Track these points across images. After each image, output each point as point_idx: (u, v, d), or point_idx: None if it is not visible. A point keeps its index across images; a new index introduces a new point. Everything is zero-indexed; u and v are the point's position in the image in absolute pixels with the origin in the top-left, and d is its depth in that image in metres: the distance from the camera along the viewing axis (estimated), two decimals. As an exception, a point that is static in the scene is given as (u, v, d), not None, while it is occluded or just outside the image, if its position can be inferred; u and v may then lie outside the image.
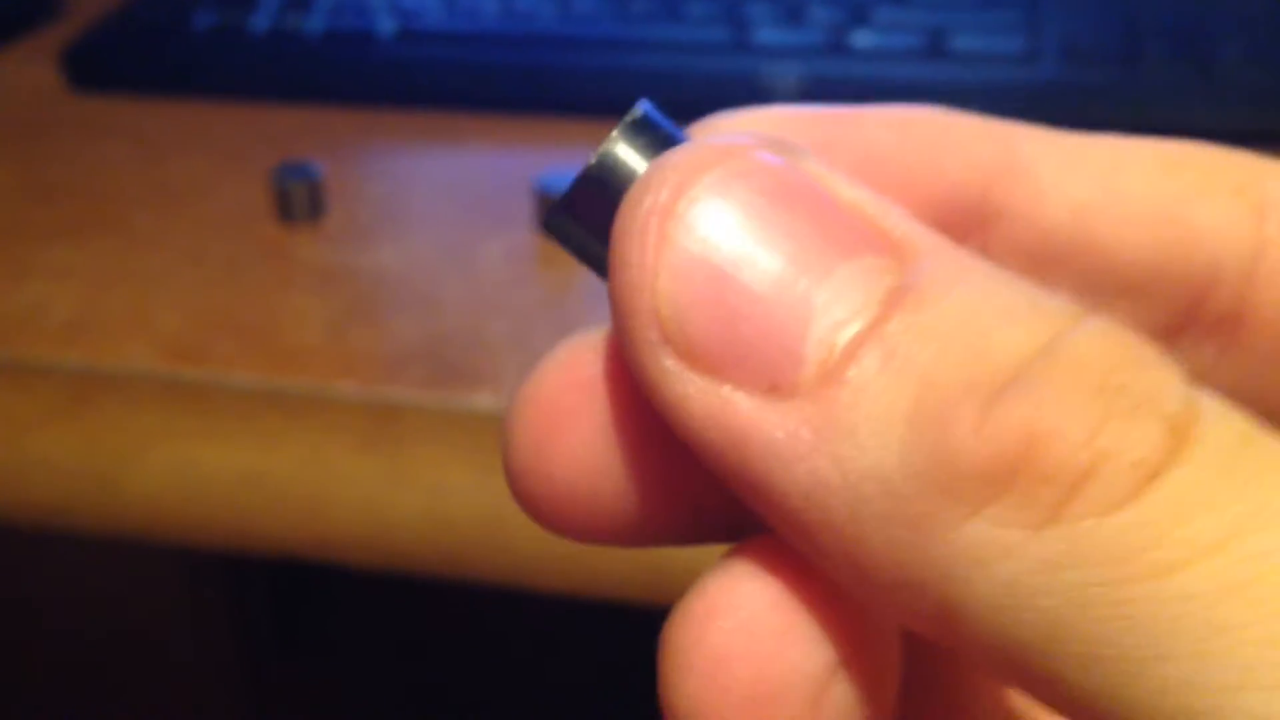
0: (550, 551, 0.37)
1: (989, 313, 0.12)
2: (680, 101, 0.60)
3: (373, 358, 0.41)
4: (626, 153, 0.14)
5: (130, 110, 0.58)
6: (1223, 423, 0.11)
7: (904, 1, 0.58)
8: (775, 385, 0.12)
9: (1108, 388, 0.11)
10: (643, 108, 0.15)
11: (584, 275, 0.43)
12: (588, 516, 0.14)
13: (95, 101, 0.59)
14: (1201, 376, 0.12)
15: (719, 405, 0.12)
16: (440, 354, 0.41)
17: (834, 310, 0.12)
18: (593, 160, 0.14)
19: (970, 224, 0.16)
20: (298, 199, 0.48)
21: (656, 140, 0.14)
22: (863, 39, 0.57)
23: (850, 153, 0.16)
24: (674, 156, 0.13)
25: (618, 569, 0.38)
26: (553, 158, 0.53)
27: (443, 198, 0.51)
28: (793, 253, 0.12)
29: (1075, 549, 0.10)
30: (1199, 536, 0.10)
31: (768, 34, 0.57)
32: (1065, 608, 0.10)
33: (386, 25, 0.61)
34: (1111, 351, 0.11)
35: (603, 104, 0.58)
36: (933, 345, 0.11)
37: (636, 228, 0.12)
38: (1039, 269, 0.15)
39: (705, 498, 0.14)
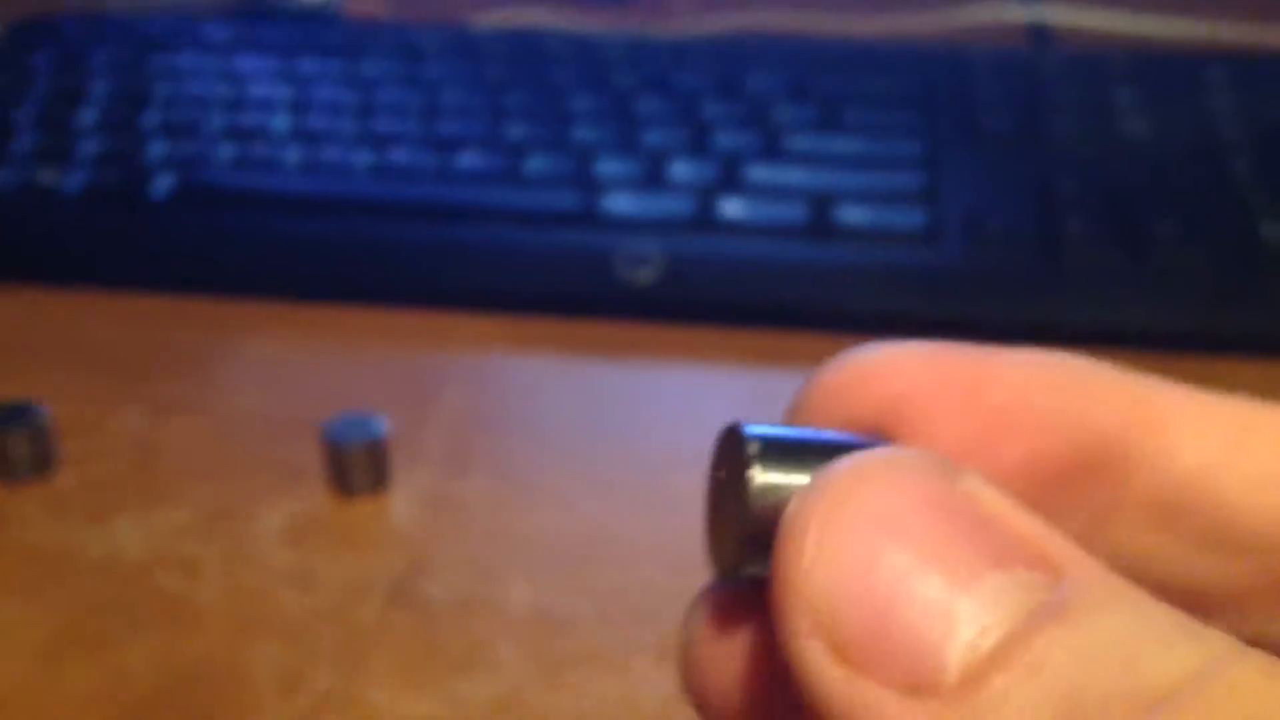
0: None
1: (1142, 635, 0.12)
2: (524, 281, 0.53)
3: (92, 709, 0.30)
4: (768, 488, 0.14)
5: None
6: None
7: (780, 158, 0.50)
8: (917, 685, 0.12)
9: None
10: (751, 438, 0.15)
11: (388, 561, 0.33)
12: None
13: None
14: None
15: (861, 698, 0.12)
16: (185, 702, 0.31)
17: (981, 616, 0.12)
18: (746, 514, 0.14)
19: (1101, 472, 0.16)
20: (16, 450, 0.37)
21: (789, 459, 0.14)
22: (733, 209, 0.48)
23: (992, 397, 0.16)
24: (838, 468, 0.13)
25: None
26: (353, 382, 0.43)
27: (207, 442, 0.40)
28: (948, 560, 0.12)
29: None
30: None
31: (622, 201, 0.48)
32: None
33: (164, 182, 0.50)
34: (1268, 688, 0.11)
35: (419, 289, 0.49)
36: (1082, 661, 0.11)
37: (799, 528, 0.13)
38: (1165, 522, 0.16)
39: None
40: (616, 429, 0.41)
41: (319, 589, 0.34)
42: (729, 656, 0.16)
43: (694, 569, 0.35)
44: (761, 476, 0.14)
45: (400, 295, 0.48)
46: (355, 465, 0.37)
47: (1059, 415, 0.16)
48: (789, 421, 0.17)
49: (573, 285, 0.47)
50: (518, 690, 0.31)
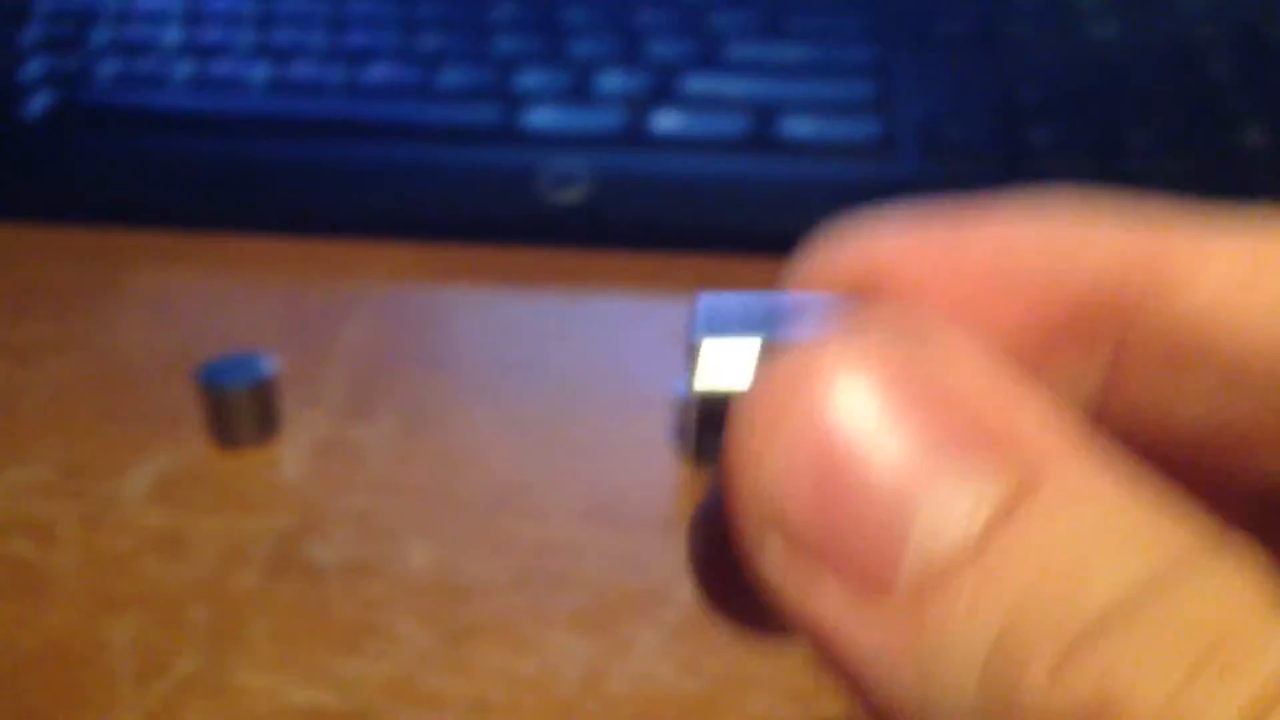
0: None
1: (1101, 537, 0.11)
2: (438, 204, 0.49)
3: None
4: (717, 374, 0.13)
5: None
6: None
7: (718, 68, 0.45)
8: (868, 585, 0.11)
9: (1199, 644, 0.10)
10: (700, 326, 0.14)
11: (271, 521, 0.29)
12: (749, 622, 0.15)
13: None
14: None
15: (812, 594, 0.12)
16: (26, 688, 0.26)
17: (938, 516, 0.11)
18: (693, 396, 0.13)
19: (1104, 321, 0.15)
20: None
21: (741, 327, 0.13)
22: (667, 122, 0.43)
23: (977, 259, 0.15)
24: (792, 348, 0.12)
25: None
26: (246, 319, 0.39)
27: (76, 388, 0.36)
28: (904, 448, 0.11)
29: None
30: None
31: (545, 115, 0.44)
32: None
33: (39, 100, 0.45)
34: (1217, 598, 0.10)
35: (322, 215, 0.44)
36: (1028, 574, 0.11)
37: (748, 412, 0.12)
38: (1176, 366, 0.14)
39: None
40: (537, 366, 0.37)
41: (190, 555, 0.30)
42: (724, 558, 0.14)
43: (619, 522, 0.31)
44: (710, 349, 0.13)
45: (301, 222, 0.43)
46: (237, 411, 0.33)
47: (1052, 267, 0.15)
48: None
49: (491, 207, 0.43)
50: (414, 670, 0.27)
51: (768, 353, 0.13)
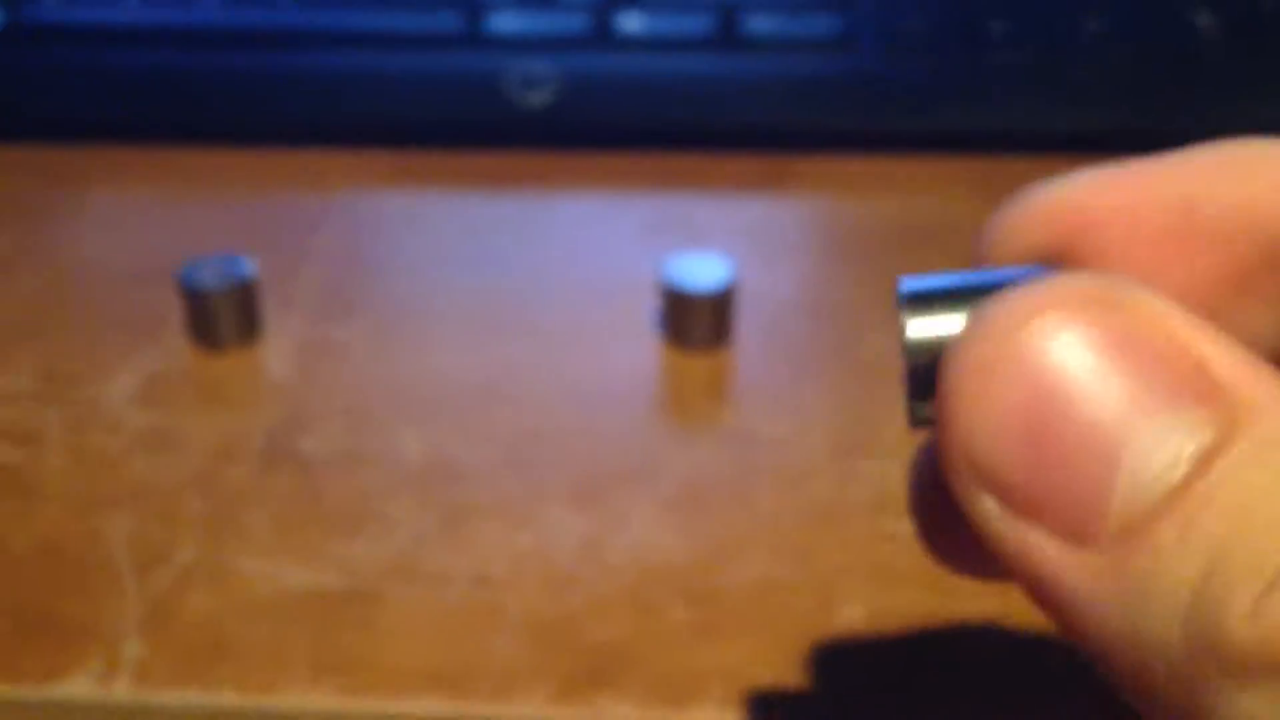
0: None
1: None
2: (404, 111, 0.49)
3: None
4: (925, 327, 0.14)
5: None
6: None
7: (680, -32, 0.45)
8: (1078, 533, 0.12)
9: None
10: (905, 289, 0.14)
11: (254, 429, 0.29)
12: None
13: None
14: None
15: (1025, 545, 0.12)
16: (29, 584, 0.27)
17: (1145, 464, 0.12)
18: (905, 352, 0.14)
19: None
20: None
21: (946, 304, 0.14)
22: (632, 22, 0.43)
23: (1165, 210, 0.15)
24: (993, 308, 0.13)
25: None
26: (214, 227, 0.39)
27: (46, 300, 0.35)
28: (1111, 399, 0.12)
29: None
30: None
31: (509, 19, 0.43)
32: None
33: (-14, 18, 0.44)
34: None
35: (285, 125, 0.44)
36: (1231, 516, 0.11)
37: (954, 374, 0.13)
38: None
39: None
40: (513, 263, 0.37)
41: (180, 452, 0.30)
42: (942, 504, 0.15)
43: (605, 406, 0.32)
44: (916, 325, 0.14)
45: (264, 133, 0.43)
46: (220, 312, 0.33)
47: (1237, 216, 0.15)
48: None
49: (458, 112, 0.43)
50: (414, 549, 0.27)
51: (975, 310, 0.13)
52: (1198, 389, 0.12)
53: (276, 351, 0.33)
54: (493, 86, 0.42)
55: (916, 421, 0.15)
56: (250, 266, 0.33)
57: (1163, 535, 0.12)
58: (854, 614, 0.26)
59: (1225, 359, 0.12)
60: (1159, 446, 0.12)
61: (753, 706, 0.24)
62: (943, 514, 0.15)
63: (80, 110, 0.43)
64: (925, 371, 0.14)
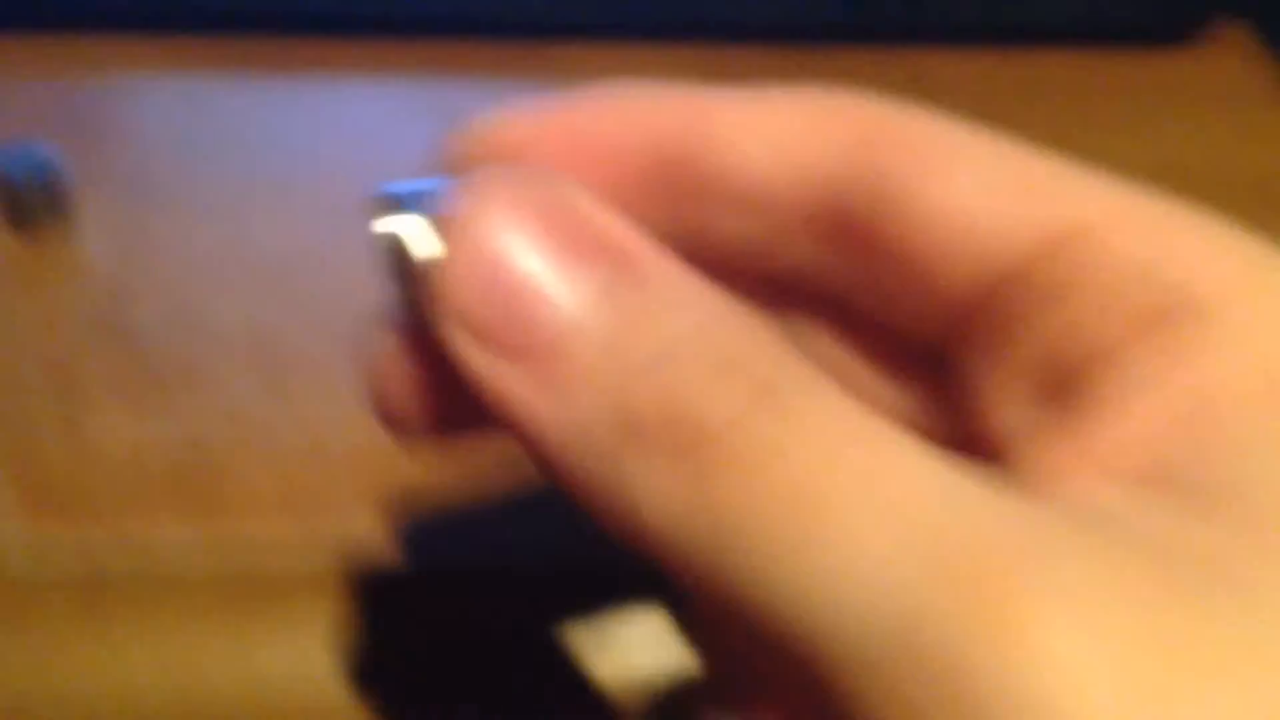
0: None
1: (697, 350, 0.15)
2: None
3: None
4: (395, 223, 0.17)
5: None
6: (807, 385, 0.15)
7: None
8: (520, 350, 0.16)
9: (718, 358, 0.15)
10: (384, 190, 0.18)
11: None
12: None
13: None
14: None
15: (490, 370, 0.16)
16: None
17: (567, 296, 0.16)
18: (376, 242, 0.17)
19: (670, 171, 0.18)
20: None
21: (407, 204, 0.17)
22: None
23: (579, 131, 0.19)
24: (464, 184, 0.16)
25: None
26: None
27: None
28: (545, 257, 0.16)
29: (701, 476, 0.14)
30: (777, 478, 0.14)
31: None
32: (702, 523, 0.14)
33: None
34: (730, 332, 0.15)
35: (59, 9, 0.45)
36: (639, 355, 0.15)
37: (439, 238, 0.16)
38: (713, 200, 0.18)
39: None
40: (299, 148, 0.40)
41: (9, 331, 0.32)
42: (409, 374, 0.18)
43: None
44: (382, 223, 0.17)
45: (39, 20, 0.44)
46: (30, 196, 0.35)
47: (621, 134, 0.19)
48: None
49: None
50: (245, 402, 0.31)
51: (442, 199, 0.17)
52: (610, 253, 0.16)
53: (89, 233, 0.36)
54: (268, -25, 0.44)
55: (398, 302, 0.18)
56: (54, 150, 0.35)
57: (579, 347, 0.15)
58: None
59: (615, 227, 0.16)
60: (579, 287, 0.16)
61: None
62: (426, 380, 0.18)
63: None
64: (399, 258, 0.17)
